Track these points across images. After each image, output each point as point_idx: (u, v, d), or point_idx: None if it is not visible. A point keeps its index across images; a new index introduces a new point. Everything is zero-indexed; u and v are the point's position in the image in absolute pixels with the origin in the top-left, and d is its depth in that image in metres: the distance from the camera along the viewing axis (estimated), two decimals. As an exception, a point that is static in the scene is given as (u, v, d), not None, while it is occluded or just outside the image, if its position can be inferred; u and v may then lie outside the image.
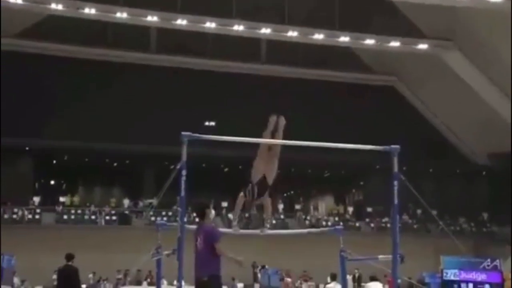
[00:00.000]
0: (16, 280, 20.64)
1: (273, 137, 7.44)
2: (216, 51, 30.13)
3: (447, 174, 32.24)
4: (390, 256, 6.83)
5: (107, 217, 26.96)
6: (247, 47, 30.55)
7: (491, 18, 24.62)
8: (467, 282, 13.01)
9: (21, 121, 26.18)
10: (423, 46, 27.93)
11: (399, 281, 7.26)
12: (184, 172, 5.95)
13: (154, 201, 20.56)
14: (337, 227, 8.99)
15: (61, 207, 26.96)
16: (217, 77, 29.74)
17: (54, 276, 14.59)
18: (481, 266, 13.15)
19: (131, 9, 25.40)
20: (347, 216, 31.00)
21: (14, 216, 25.81)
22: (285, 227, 26.88)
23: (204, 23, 26.33)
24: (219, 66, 30.18)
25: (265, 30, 27.07)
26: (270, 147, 7.54)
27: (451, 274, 12.97)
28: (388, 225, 26.67)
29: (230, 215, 27.86)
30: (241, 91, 29.68)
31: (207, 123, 29.32)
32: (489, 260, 13.27)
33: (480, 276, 12.94)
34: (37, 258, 21.43)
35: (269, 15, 28.07)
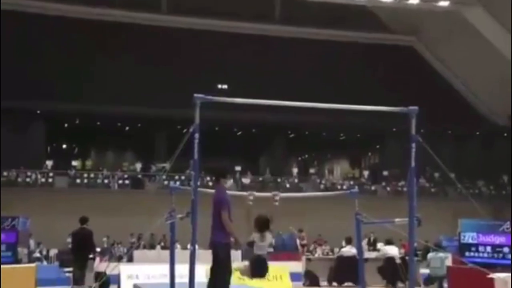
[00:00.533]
0: (31, 242, 20.74)
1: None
2: (229, 11, 29.41)
3: (466, 136, 31.60)
4: (406, 219, 6.52)
5: (120, 181, 26.93)
6: (261, 7, 29.77)
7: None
8: (485, 245, 12.60)
9: (31, 84, 25.95)
10: (444, 3, 27.17)
11: (415, 244, 7.01)
12: (197, 135, 5.66)
13: (167, 165, 20.35)
14: (352, 190, 8.61)
15: (73, 171, 26.96)
16: (230, 39, 29.12)
17: (69, 239, 14.53)
18: (500, 229, 12.69)
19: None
20: (363, 180, 30.61)
21: (28, 179, 25.89)
22: (300, 191, 26.57)
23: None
24: (232, 27, 29.51)
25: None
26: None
27: (469, 237, 12.54)
28: (405, 189, 26.24)
29: (244, 179, 27.72)
30: (254, 53, 29.07)
31: (219, 86, 28.83)
32: (508, 222, 12.82)
33: (499, 239, 12.51)
34: (51, 221, 21.51)
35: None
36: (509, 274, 7.35)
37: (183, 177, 25.68)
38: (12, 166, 25.50)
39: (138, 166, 28.10)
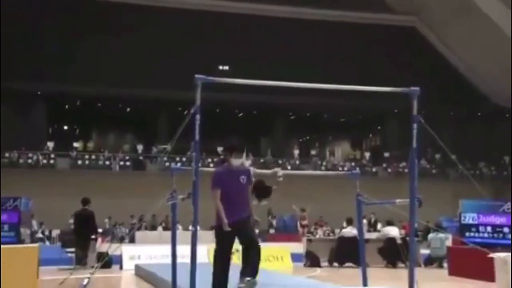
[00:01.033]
0: (34, 223, 20.84)
1: None
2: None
3: (467, 117, 31.48)
4: (407, 200, 6.49)
5: (121, 163, 26.96)
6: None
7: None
8: (485, 225, 12.61)
9: (32, 65, 25.84)
10: (446, -18, 26.72)
11: (416, 225, 6.99)
12: (198, 117, 5.62)
13: (168, 147, 20.35)
14: (353, 171, 8.58)
15: (75, 153, 26.98)
16: (231, 20, 28.86)
17: (71, 220, 14.62)
18: (501, 210, 12.69)
19: None
20: (364, 161, 30.64)
21: (29, 161, 25.94)
22: (301, 172, 26.62)
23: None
24: (232, 7, 29.23)
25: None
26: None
27: (469, 218, 12.55)
28: (406, 170, 26.26)
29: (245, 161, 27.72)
30: (255, 34, 28.86)
31: (220, 67, 28.69)
32: (509, 203, 12.82)
33: (499, 220, 12.51)
34: (53, 202, 21.60)
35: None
36: (509, 254, 7.36)
37: (184, 159, 25.72)
38: (13, 147, 25.53)
39: (139, 147, 28.12)
